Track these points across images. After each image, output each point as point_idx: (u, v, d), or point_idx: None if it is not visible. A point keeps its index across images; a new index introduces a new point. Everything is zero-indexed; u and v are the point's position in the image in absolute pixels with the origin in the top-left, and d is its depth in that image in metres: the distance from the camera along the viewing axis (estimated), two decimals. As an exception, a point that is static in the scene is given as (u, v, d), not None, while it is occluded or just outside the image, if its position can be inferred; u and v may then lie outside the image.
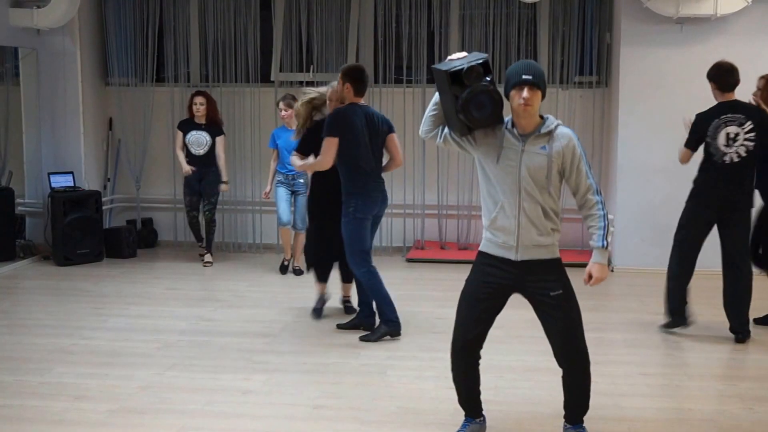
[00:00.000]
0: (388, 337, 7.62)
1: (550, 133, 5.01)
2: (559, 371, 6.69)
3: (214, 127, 11.07)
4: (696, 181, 7.74)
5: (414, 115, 11.62)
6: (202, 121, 10.97)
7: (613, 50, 11.19)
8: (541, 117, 5.06)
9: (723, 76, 7.62)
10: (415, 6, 11.65)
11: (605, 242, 5.04)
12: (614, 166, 10.88)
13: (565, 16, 11.46)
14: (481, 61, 4.96)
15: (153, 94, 12.11)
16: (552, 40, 11.55)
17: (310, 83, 11.53)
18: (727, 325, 7.81)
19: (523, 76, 4.90)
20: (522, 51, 11.53)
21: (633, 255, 10.65)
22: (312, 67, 11.83)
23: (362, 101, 7.70)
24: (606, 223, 5.06)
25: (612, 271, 10.60)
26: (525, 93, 4.89)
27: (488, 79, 4.98)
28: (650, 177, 10.17)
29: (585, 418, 5.41)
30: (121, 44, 12.09)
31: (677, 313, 7.85)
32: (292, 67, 12.02)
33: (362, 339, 7.61)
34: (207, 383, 6.49)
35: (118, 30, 12.10)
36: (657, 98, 10.21)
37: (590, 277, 5.16)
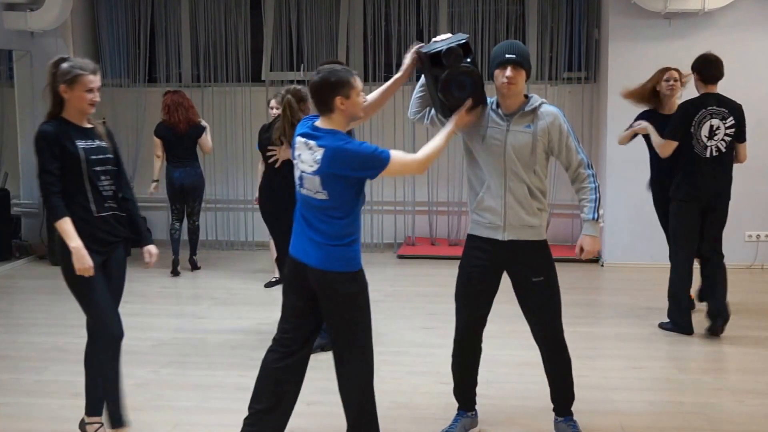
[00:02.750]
0: (319, 350, 6.92)
1: (534, 111, 5.03)
2: (551, 366, 6.78)
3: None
4: (679, 177, 7.66)
5: (403, 112, 11.59)
6: None
7: (601, 46, 11.25)
8: (526, 96, 5.09)
9: (707, 67, 7.59)
10: (404, 4, 11.72)
11: (596, 214, 5.07)
12: (603, 162, 10.93)
13: (553, 13, 11.52)
14: (461, 42, 4.91)
15: (145, 95, 12.15)
16: (540, 37, 11.62)
17: (300, 82, 11.59)
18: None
19: (507, 55, 4.93)
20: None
21: (623, 250, 10.70)
22: (302, 65, 11.88)
23: None
24: (597, 195, 5.07)
25: (602, 266, 10.67)
26: (508, 72, 4.91)
27: (468, 60, 4.93)
28: (640, 172, 10.14)
29: (577, 412, 5.45)
30: (114, 45, 12.16)
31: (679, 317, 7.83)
32: (283, 66, 12.08)
33: None
34: (202, 380, 6.54)
35: (111, 31, 12.17)
36: (646, 93, 10.29)
37: (582, 249, 5.17)
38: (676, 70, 8.23)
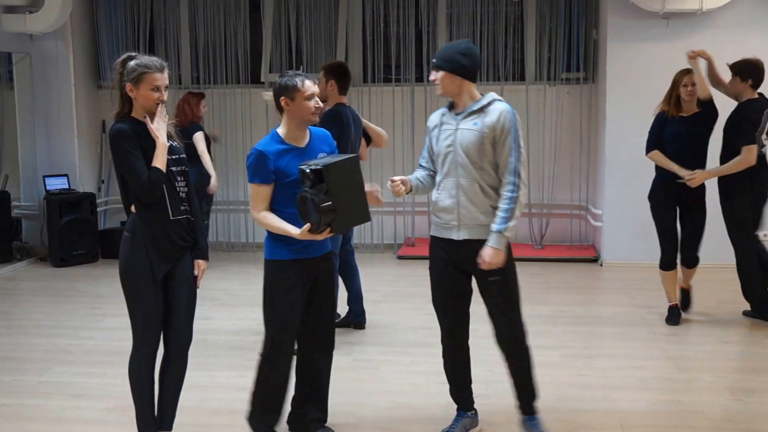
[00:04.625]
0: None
1: (482, 109, 5.03)
2: (549, 365, 6.82)
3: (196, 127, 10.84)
4: (753, 176, 7.75)
5: (402, 113, 11.71)
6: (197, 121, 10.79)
7: (599, 46, 11.26)
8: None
9: (760, 73, 7.85)
10: (403, 5, 11.73)
11: (502, 227, 4.95)
12: (602, 161, 10.95)
13: (551, 13, 11.52)
14: (316, 167, 4.79)
15: (145, 96, 12.17)
16: (539, 37, 11.62)
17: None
18: (718, 317, 7.99)
19: (432, 60, 5.12)
20: (509, 48, 11.61)
21: (621, 249, 10.70)
22: (302, 67, 11.88)
23: (345, 101, 7.56)
24: (511, 206, 4.95)
25: (601, 266, 10.69)
26: (431, 75, 5.09)
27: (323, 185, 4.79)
28: (638, 171, 10.16)
29: (576, 411, 5.49)
30: (113, 47, 12.15)
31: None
32: (282, 68, 12.06)
33: None
34: (202, 381, 6.53)
35: (110, 33, 12.17)
36: (644, 93, 10.23)
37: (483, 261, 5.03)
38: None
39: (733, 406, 6.05)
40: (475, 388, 5.56)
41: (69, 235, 11.18)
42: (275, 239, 5.11)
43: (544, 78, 11.61)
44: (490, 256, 4.98)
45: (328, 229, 4.88)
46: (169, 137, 4.96)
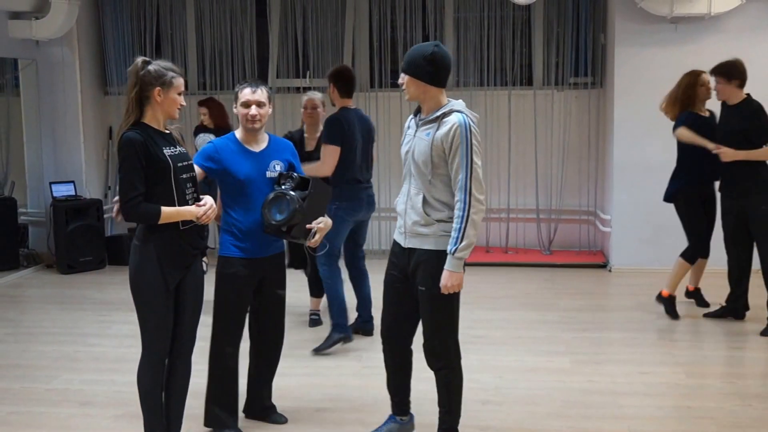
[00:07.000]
0: (341, 343, 7.39)
1: (438, 119, 4.85)
2: (558, 371, 6.79)
3: (221, 130, 10.88)
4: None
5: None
6: (210, 126, 10.85)
7: (607, 51, 11.24)
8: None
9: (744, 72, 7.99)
10: (410, 10, 11.71)
11: (453, 248, 4.75)
12: (610, 167, 10.92)
13: (559, 18, 11.50)
14: (303, 176, 5.49)
15: (151, 102, 12.16)
16: (546, 42, 11.60)
17: (306, 89, 11.61)
18: (726, 322, 7.99)
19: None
20: (517, 53, 11.59)
21: (630, 254, 10.67)
22: (308, 72, 11.89)
23: (352, 104, 7.57)
24: (461, 225, 4.75)
25: (610, 271, 10.65)
26: (399, 78, 5.00)
27: (305, 192, 5.36)
28: (646, 176, 10.19)
29: (585, 417, 5.46)
30: (119, 53, 12.16)
31: None
32: (289, 73, 12.08)
33: (315, 351, 7.36)
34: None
35: (116, 39, 12.17)
36: (652, 98, 10.15)
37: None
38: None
39: (742, 412, 6.02)
40: (485, 394, 5.55)
41: (76, 242, 11.17)
42: (228, 237, 5.54)
43: (551, 83, 11.59)
44: (445, 278, 4.82)
45: (285, 230, 5.34)
46: (178, 143, 4.94)
